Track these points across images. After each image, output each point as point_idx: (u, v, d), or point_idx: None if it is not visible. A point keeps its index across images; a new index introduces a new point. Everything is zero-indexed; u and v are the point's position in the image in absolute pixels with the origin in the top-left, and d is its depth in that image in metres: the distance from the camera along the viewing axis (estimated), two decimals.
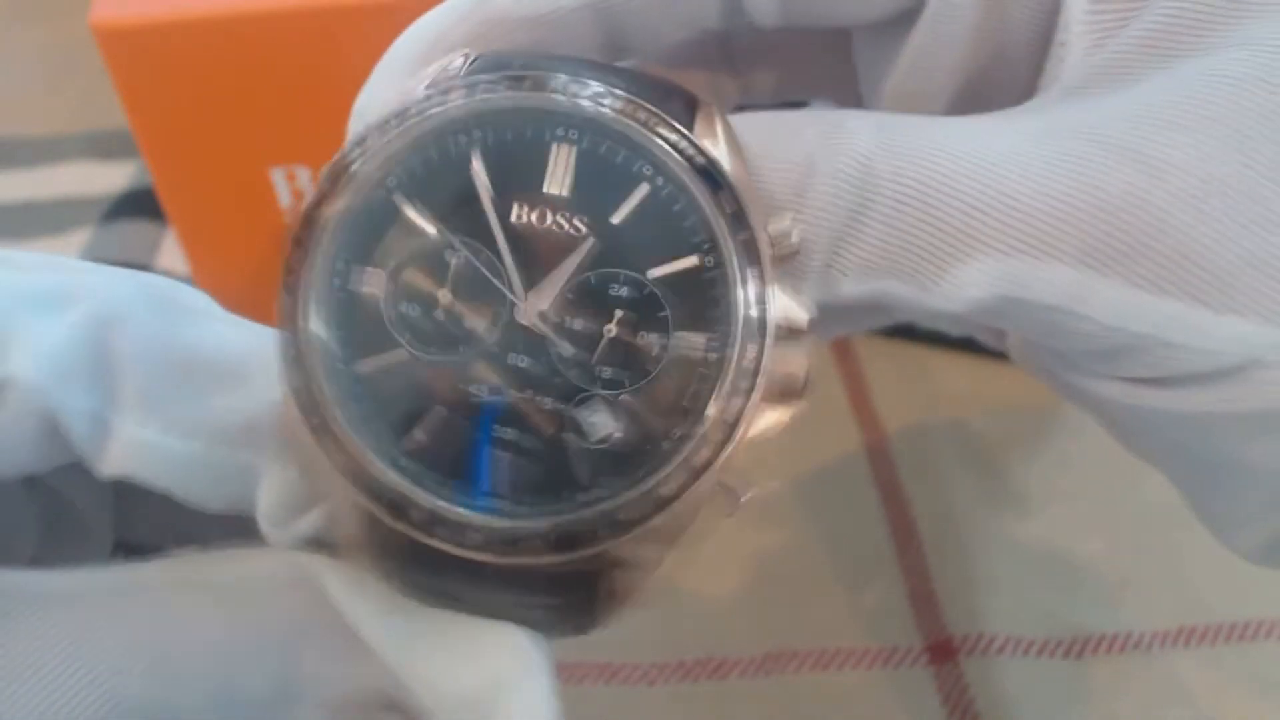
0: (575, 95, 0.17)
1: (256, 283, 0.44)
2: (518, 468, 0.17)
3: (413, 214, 0.17)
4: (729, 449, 0.17)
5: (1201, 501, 0.22)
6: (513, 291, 0.17)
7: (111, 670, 0.16)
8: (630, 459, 0.17)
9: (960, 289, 0.18)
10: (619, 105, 0.17)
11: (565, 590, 0.17)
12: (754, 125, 0.18)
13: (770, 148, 0.18)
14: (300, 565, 0.18)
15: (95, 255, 0.51)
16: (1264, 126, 0.18)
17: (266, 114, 0.40)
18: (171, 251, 0.51)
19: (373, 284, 0.17)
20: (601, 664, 0.37)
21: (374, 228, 0.17)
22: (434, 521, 0.16)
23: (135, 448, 0.18)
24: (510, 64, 0.18)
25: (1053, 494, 0.42)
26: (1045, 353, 0.22)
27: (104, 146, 0.58)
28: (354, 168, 0.17)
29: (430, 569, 0.17)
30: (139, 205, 0.54)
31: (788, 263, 0.17)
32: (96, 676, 0.16)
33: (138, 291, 0.18)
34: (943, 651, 0.38)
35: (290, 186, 0.43)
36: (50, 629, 0.16)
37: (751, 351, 0.17)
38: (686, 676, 0.37)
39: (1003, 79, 0.22)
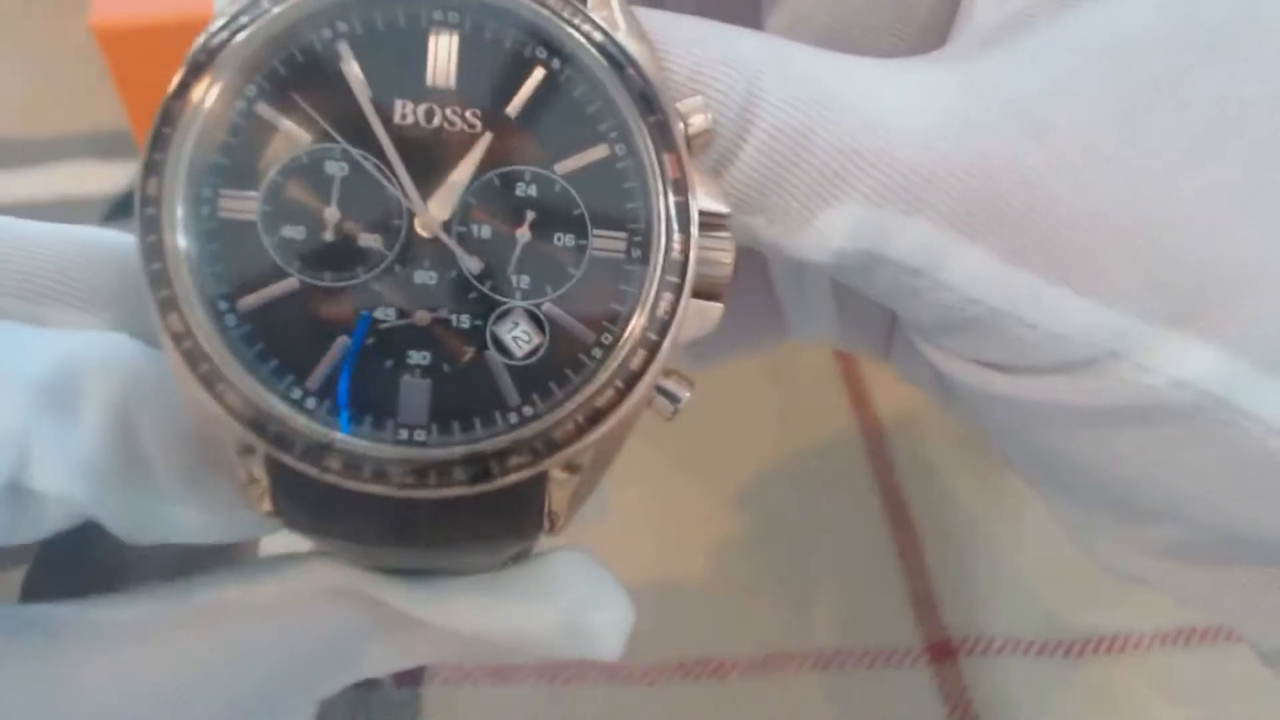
0: None
1: None
2: (439, 394, 0.15)
3: (282, 123, 0.15)
4: (663, 350, 0.15)
5: (1059, 509, 0.21)
6: (409, 201, 0.15)
7: (176, 703, 0.16)
8: (559, 371, 0.16)
9: (825, 238, 0.17)
10: None
11: (503, 517, 0.16)
12: (652, 22, 0.17)
13: (664, 47, 0.16)
14: (337, 576, 0.17)
15: None
16: (1158, 96, 0.16)
17: None
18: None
19: (247, 209, 0.15)
20: (602, 664, 0.37)
21: (239, 145, 0.15)
22: (353, 466, 0.15)
23: (171, 528, 0.17)
24: None
25: None
26: (914, 333, 0.20)
27: (104, 146, 0.58)
28: (206, 77, 0.15)
29: (358, 517, 0.16)
30: None
31: (704, 147, 0.16)
32: (177, 705, 0.16)
33: (137, 357, 0.17)
34: (943, 651, 0.38)
35: None
36: (108, 665, 0.16)
37: (678, 244, 0.15)
38: (686, 676, 0.37)
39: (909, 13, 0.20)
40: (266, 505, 0.15)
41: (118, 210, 0.54)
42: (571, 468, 0.16)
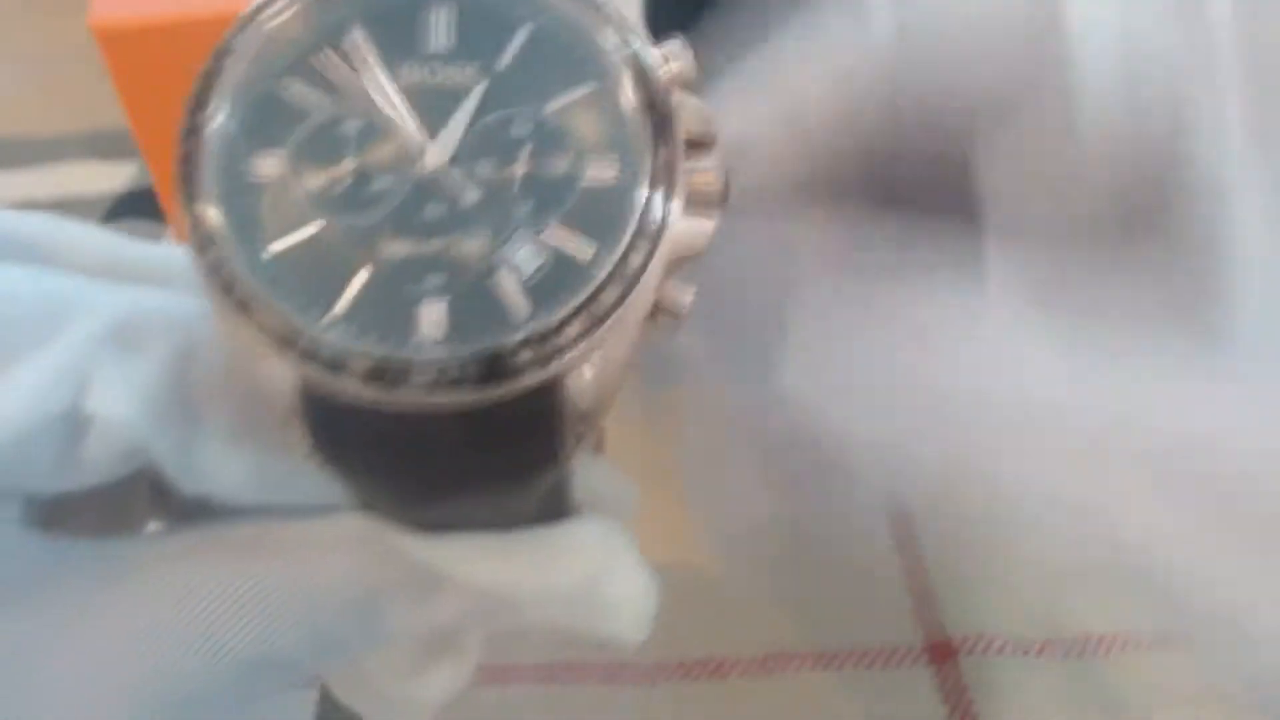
0: None
1: None
2: (454, 311, 0.17)
3: (302, 90, 0.18)
4: (659, 252, 0.17)
5: None
6: (414, 142, 0.17)
7: (216, 620, 0.18)
8: (565, 282, 0.17)
9: None
10: None
11: (519, 435, 0.17)
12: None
13: None
14: (363, 526, 0.18)
15: None
16: None
17: None
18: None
19: (273, 168, 0.17)
20: (602, 664, 0.37)
21: (264, 111, 0.18)
22: (377, 371, 0.16)
23: (218, 475, 0.18)
24: None
25: None
26: None
27: (104, 146, 0.58)
28: (237, 50, 0.18)
29: (385, 439, 0.17)
30: (139, 205, 0.54)
31: (683, 76, 0.18)
32: (205, 627, 0.18)
33: (198, 314, 0.18)
34: (943, 651, 0.38)
35: None
36: (159, 588, 0.18)
37: (663, 156, 0.17)
38: (686, 676, 0.37)
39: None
40: (302, 440, 0.17)
41: (118, 210, 0.54)
42: (585, 393, 0.17)
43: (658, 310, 0.17)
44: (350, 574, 0.18)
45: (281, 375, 0.16)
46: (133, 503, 0.20)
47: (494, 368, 0.16)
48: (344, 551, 0.18)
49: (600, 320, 0.17)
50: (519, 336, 0.16)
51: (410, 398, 0.16)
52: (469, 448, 0.17)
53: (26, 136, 0.59)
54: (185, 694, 0.18)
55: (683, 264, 0.18)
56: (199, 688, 0.18)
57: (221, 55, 0.18)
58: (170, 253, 0.21)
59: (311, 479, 0.18)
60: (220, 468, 0.18)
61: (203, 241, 0.17)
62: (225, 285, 0.16)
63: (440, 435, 0.17)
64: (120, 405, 0.17)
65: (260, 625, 0.18)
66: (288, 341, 0.16)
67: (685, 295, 0.17)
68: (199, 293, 0.17)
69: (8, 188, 0.56)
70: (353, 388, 0.16)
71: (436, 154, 0.17)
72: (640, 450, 0.33)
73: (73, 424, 0.17)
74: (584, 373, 0.17)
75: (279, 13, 0.18)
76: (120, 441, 0.17)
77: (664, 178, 0.17)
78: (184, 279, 0.20)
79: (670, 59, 0.18)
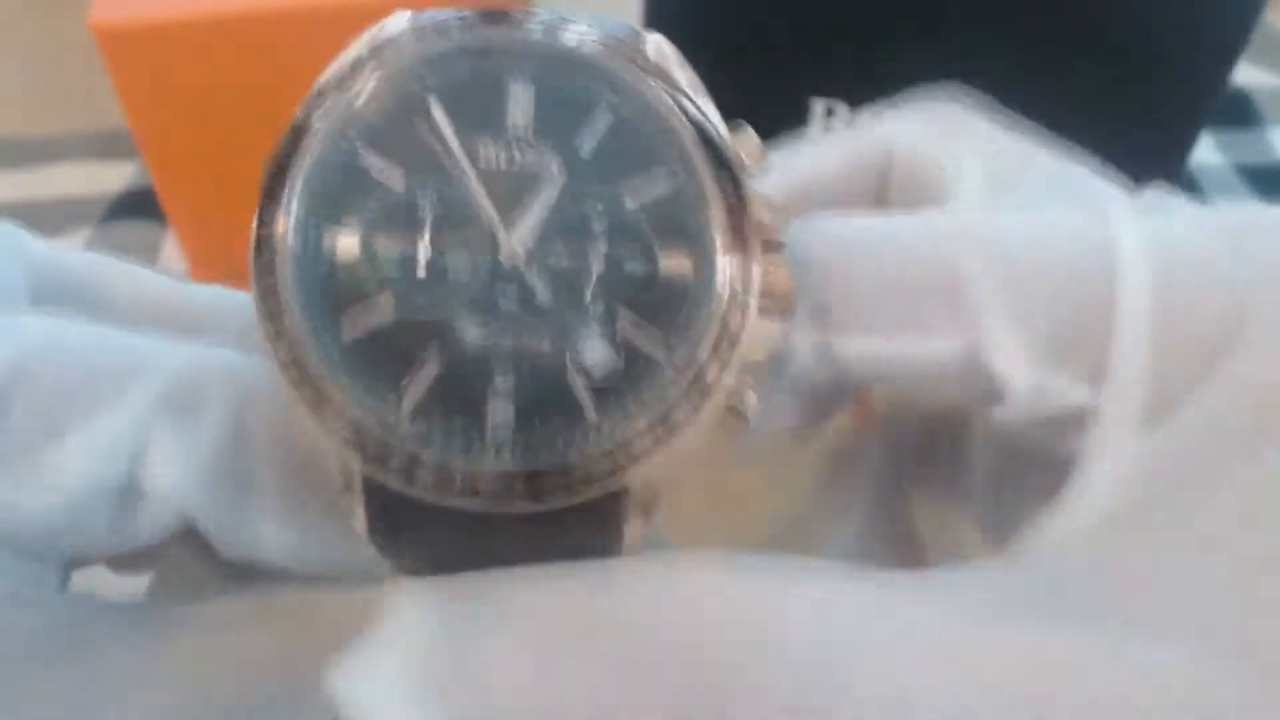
0: (531, 29, 0.17)
1: None
2: (523, 414, 0.16)
3: (379, 165, 0.17)
4: (732, 364, 0.16)
5: None
6: (493, 232, 0.17)
7: (258, 688, 0.18)
8: (636, 389, 0.16)
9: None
10: (581, 37, 0.17)
11: (583, 537, 0.17)
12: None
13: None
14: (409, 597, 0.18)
15: None
16: None
17: (266, 114, 0.40)
18: (171, 251, 0.51)
19: (347, 245, 0.17)
20: None
21: (341, 186, 0.17)
22: (445, 479, 0.16)
23: (263, 545, 0.18)
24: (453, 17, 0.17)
25: None
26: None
27: (104, 146, 0.58)
28: (315, 126, 0.17)
29: (447, 531, 0.17)
30: (139, 205, 0.54)
31: (759, 165, 0.17)
32: (247, 694, 0.18)
33: (256, 373, 0.18)
34: None
35: None
36: (208, 654, 0.19)
37: (739, 264, 0.17)
38: None
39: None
40: (362, 525, 0.17)
41: (117, 210, 0.54)
42: (650, 485, 0.17)
43: (728, 411, 0.17)
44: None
45: (348, 462, 0.16)
46: (180, 556, 0.21)
47: (562, 483, 0.16)
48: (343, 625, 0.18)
49: (673, 431, 0.16)
50: (588, 452, 0.16)
51: (477, 505, 0.16)
52: (530, 546, 0.17)
53: (26, 136, 0.59)
54: None
55: (754, 367, 0.17)
56: None
57: (300, 132, 0.17)
58: (220, 296, 0.21)
59: (360, 552, 0.17)
60: (269, 538, 0.18)
61: (278, 330, 0.16)
62: (300, 379, 0.16)
63: (503, 533, 0.17)
64: (175, 479, 0.17)
65: (300, 691, 0.18)
66: (358, 445, 0.16)
67: (754, 398, 0.17)
68: (256, 348, 0.17)
69: (8, 188, 0.56)
70: (418, 492, 0.16)
71: (514, 243, 0.17)
72: None
73: (127, 495, 0.17)
74: (651, 473, 0.16)
75: (357, 84, 0.17)
76: (173, 513, 0.18)
77: (741, 277, 0.16)
78: (237, 323, 0.20)
79: (744, 147, 0.17)
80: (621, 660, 0.15)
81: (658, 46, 0.18)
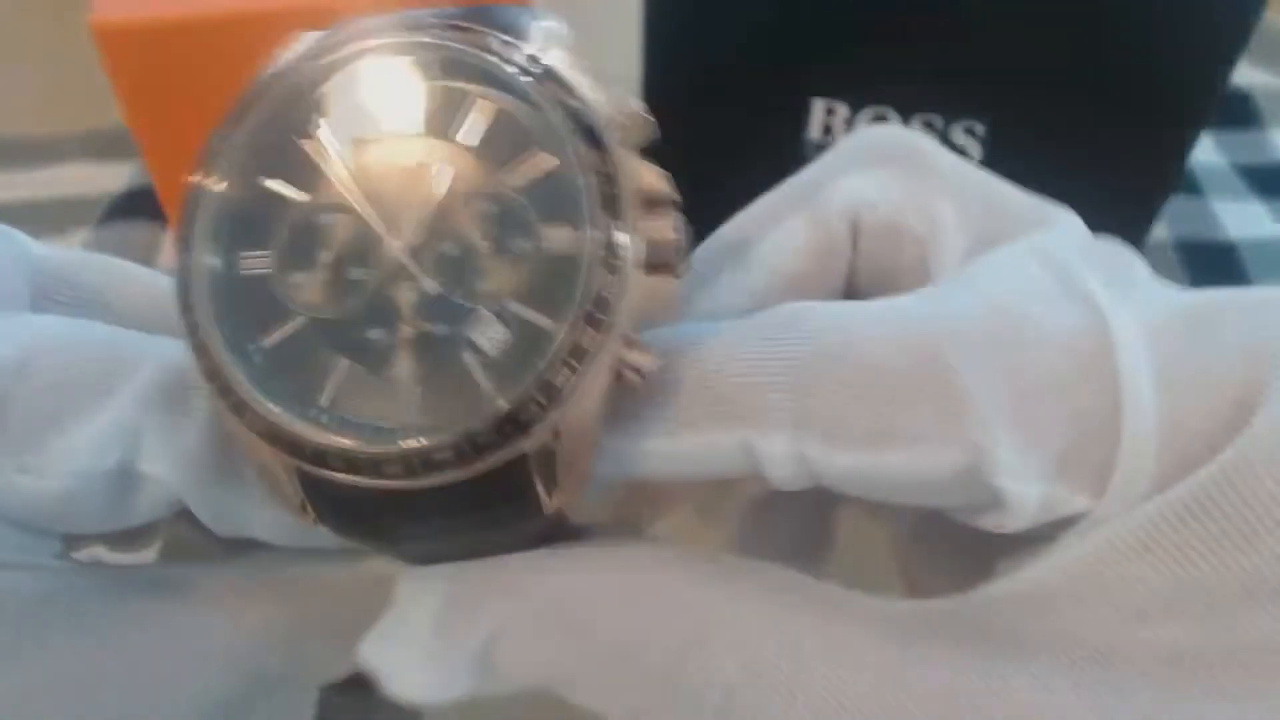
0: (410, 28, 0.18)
1: None
2: (426, 397, 0.18)
3: (279, 189, 0.18)
4: (612, 325, 0.17)
5: None
6: (380, 232, 0.18)
7: (259, 647, 0.20)
8: (526, 360, 0.17)
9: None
10: (452, 33, 0.18)
11: (498, 500, 0.18)
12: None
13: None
14: (385, 565, 0.20)
15: None
16: None
17: None
18: (171, 251, 0.51)
19: (258, 265, 0.18)
20: None
21: (247, 211, 0.18)
22: (354, 464, 0.17)
23: (249, 523, 0.19)
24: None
25: None
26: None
27: (104, 146, 0.58)
28: (217, 158, 0.18)
29: (367, 512, 0.18)
30: (139, 205, 0.54)
31: (635, 132, 0.18)
32: (249, 652, 0.20)
33: None
34: None
35: None
36: (211, 619, 0.20)
37: (616, 226, 0.17)
38: None
39: None
40: (308, 513, 0.18)
41: (117, 210, 0.54)
42: (545, 451, 0.17)
43: (623, 372, 0.17)
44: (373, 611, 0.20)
45: (281, 461, 0.18)
46: (181, 533, 0.22)
47: (460, 451, 0.17)
48: (367, 592, 0.20)
49: (554, 398, 0.17)
50: (484, 419, 0.17)
51: (389, 485, 0.17)
52: (454, 515, 0.18)
53: (26, 136, 0.59)
54: (224, 704, 0.20)
55: (653, 323, 0.18)
56: (236, 698, 0.20)
57: (204, 165, 0.18)
58: None
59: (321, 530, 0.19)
60: (253, 520, 0.19)
61: (198, 347, 0.18)
62: (222, 390, 0.17)
63: (426, 506, 0.18)
64: (166, 466, 0.18)
65: (295, 652, 0.21)
66: (276, 439, 0.17)
67: (649, 359, 0.18)
68: None
69: (8, 188, 0.56)
70: (338, 477, 0.17)
71: (397, 240, 0.18)
72: None
73: (123, 480, 0.18)
74: (554, 435, 0.17)
75: (248, 115, 0.19)
76: (166, 496, 0.19)
77: (618, 250, 0.17)
78: None
79: (622, 116, 0.18)
80: (588, 642, 0.18)
81: (545, 31, 0.19)
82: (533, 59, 0.18)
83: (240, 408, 0.17)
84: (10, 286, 0.20)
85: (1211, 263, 0.52)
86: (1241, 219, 0.55)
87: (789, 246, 0.22)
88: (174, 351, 0.19)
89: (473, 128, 0.18)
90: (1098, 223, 0.20)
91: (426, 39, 0.18)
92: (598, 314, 0.17)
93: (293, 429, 0.17)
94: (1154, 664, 0.16)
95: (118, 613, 0.19)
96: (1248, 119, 0.61)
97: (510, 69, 0.18)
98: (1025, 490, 0.16)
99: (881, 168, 0.22)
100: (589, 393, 0.17)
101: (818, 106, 0.43)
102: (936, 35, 0.40)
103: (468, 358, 0.17)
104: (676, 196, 0.18)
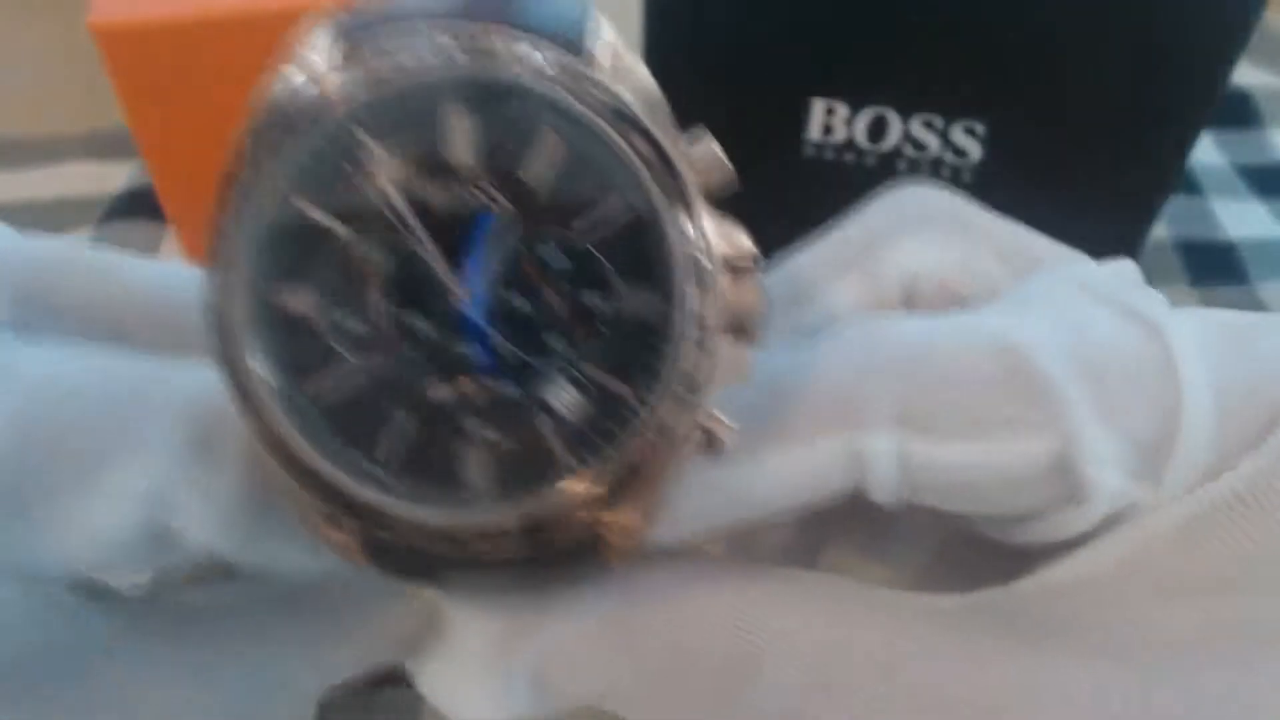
0: (457, 56, 0.16)
1: None
2: (494, 461, 0.16)
3: (321, 218, 0.16)
4: (697, 400, 0.16)
5: None
6: (443, 279, 0.16)
7: (287, 669, 0.20)
8: (604, 428, 0.16)
9: None
10: (522, 60, 0.16)
11: (565, 568, 0.17)
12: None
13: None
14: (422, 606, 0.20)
15: None
16: None
17: None
18: (171, 251, 0.51)
19: (300, 300, 0.16)
20: None
21: (287, 241, 0.16)
22: (424, 531, 0.16)
23: (282, 564, 0.19)
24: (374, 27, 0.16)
25: None
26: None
27: (104, 146, 0.58)
28: (249, 181, 0.16)
29: (426, 567, 0.17)
30: (139, 205, 0.54)
31: (719, 187, 0.16)
32: (277, 673, 0.20)
33: None
34: None
35: None
36: (234, 641, 0.20)
37: (700, 292, 0.16)
38: None
39: None
40: (362, 559, 0.17)
41: (117, 210, 0.54)
42: (624, 521, 0.16)
43: (703, 439, 0.16)
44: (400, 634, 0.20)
45: (338, 519, 0.16)
46: None
47: (536, 530, 0.16)
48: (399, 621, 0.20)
49: (646, 475, 0.16)
50: (561, 496, 0.16)
51: (457, 553, 0.16)
52: (518, 576, 0.17)
53: (26, 136, 0.59)
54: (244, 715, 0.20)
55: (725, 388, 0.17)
56: (256, 710, 0.20)
57: (237, 184, 0.16)
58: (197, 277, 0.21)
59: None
60: (283, 557, 0.18)
61: (239, 387, 0.16)
62: (270, 444, 0.16)
63: (491, 569, 0.17)
64: (201, 522, 0.17)
65: (315, 671, 0.20)
66: (331, 498, 0.16)
67: (729, 431, 0.16)
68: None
69: (8, 188, 0.56)
70: (399, 540, 0.16)
71: (463, 289, 0.16)
72: None
73: (159, 538, 0.17)
74: (627, 521, 0.16)
75: (288, 129, 0.16)
76: (201, 551, 0.18)
77: (704, 317, 0.16)
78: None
79: (701, 167, 0.16)
80: (642, 661, 0.18)
81: (611, 50, 0.16)
82: (606, 91, 0.16)
83: (289, 463, 0.16)
84: None
85: (1211, 263, 0.52)
86: (1241, 219, 0.55)
87: (842, 304, 0.23)
88: (192, 384, 0.17)
89: (542, 167, 0.16)
90: (1098, 222, 0.20)
91: (480, 63, 0.16)
92: (686, 394, 0.16)
93: (349, 487, 0.16)
94: (1199, 640, 0.17)
95: (120, 646, 0.19)
96: (1248, 119, 0.61)
97: (579, 106, 0.16)
98: (1107, 480, 0.17)
99: (929, 230, 0.23)
100: (673, 472, 0.16)
101: (818, 106, 0.43)
102: (936, 35, 0.40)
103: (540, 422, 0.16)
104: (759, 255, 0.16)
